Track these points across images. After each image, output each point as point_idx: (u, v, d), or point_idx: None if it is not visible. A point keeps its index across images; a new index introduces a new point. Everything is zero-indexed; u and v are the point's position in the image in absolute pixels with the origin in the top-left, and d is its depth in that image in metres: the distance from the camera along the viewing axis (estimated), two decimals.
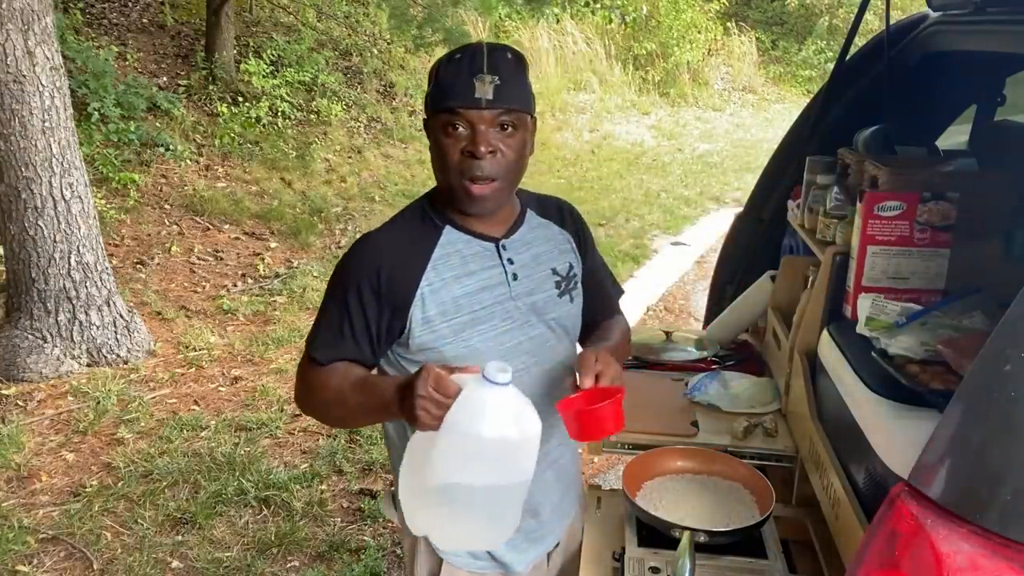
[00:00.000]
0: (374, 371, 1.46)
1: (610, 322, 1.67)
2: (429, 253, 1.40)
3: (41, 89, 3.70)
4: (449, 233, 1.42)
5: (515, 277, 1.44)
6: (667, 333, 2.64)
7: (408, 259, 1.39)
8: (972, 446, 0.95)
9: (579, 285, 1.56)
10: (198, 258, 5.39)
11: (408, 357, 1.43)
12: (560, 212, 1.58)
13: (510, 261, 1.44)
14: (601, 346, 1.52)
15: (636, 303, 5.44)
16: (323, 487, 3.21)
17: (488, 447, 1.16)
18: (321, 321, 1.43)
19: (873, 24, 8.64)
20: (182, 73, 7.10)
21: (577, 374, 1.35)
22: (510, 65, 1.34)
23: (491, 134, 1.32)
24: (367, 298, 1.37)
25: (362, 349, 1.40)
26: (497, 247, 1.44)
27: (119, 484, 3.15)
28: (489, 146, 1.31)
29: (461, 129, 1.32)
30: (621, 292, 1.76)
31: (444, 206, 1.44)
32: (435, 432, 1.18)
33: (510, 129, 1.34)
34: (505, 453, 1.19)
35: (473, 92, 1.30)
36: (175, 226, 5.68)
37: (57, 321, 3.97)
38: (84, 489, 3.12)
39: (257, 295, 5.04)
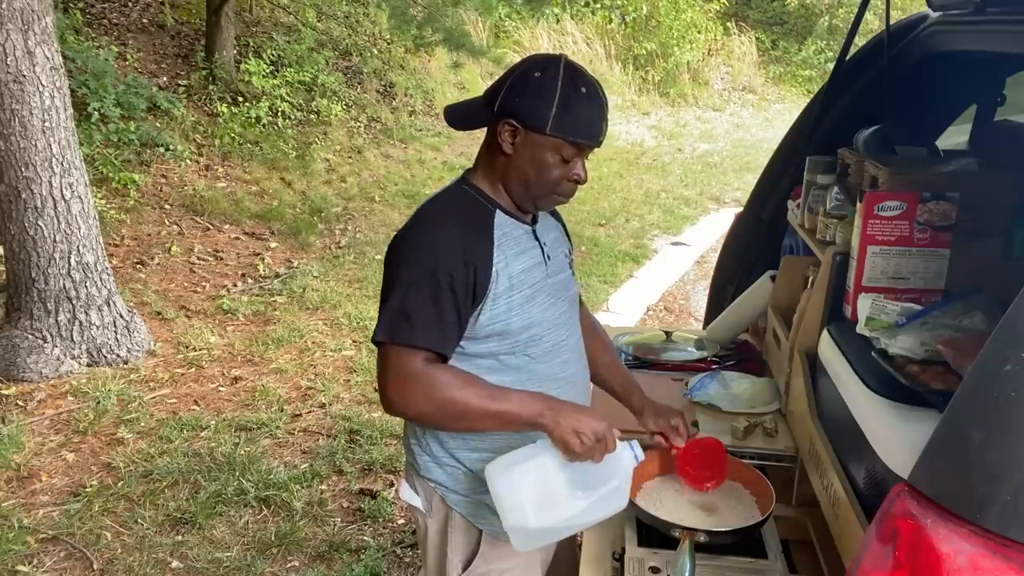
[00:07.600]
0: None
1: (597, 327, 1.86)
2: (491, 233, 1.49)
3: (41, 89, 3.70)
4: (499, 216, 1.52)
5: (549, 258, 1.59)
6: (667, 333, 2.64)
7: (480, 242, 1.47)
8: (972, 446, 0.95)
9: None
10: (198, 258, 5.38)
11: (470, 337, 1.48)
12: None
13: (544, 244, 1.59)
14: (645, 398, 1.78)
15: (636, 303, 5.44)
16: (323, 487, 3.21)
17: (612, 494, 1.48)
18: (415, 315, 1.40)
19: (873, 24, 8.64)
20: (182, 73, 7.09)
21: (670, 436, 1.71)
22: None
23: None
24: (461, 294, 1.42)
25: (453, 345, 1.45)
26: (534, 231, 1.58)
27: (119, 484, 3.15)
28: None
29: (575, 159, 1.48)
30: None
31: (493, 194, 1.53)
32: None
33: None
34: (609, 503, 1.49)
35: (600, 135, 1.49)
36: (175, 226, 5.68)
37: (57, 321, 3.97)
38: (84, 489, 3.12)
39: (257, 295, 5.04)
